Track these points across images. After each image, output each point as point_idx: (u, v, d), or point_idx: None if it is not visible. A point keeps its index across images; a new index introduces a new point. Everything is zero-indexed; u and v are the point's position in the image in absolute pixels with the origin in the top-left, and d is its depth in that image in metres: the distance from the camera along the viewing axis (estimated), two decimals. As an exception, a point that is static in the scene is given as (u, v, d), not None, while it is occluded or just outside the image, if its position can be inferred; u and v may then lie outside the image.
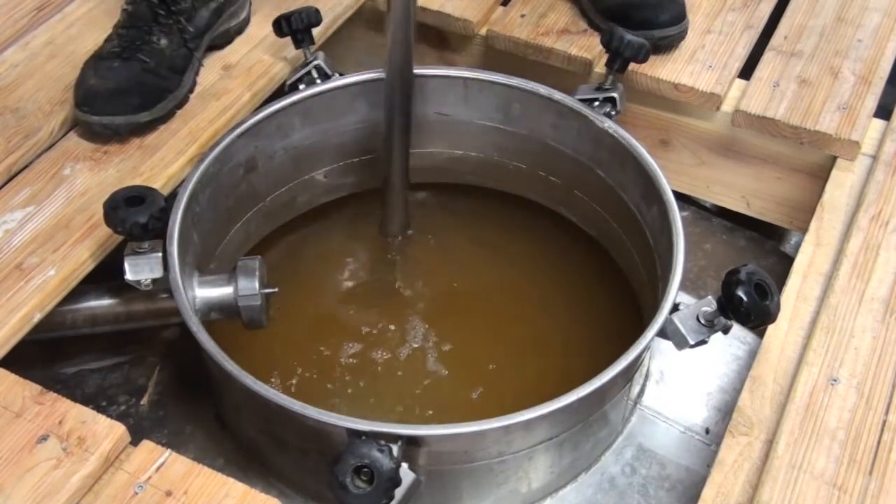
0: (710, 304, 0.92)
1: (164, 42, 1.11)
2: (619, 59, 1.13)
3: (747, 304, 0.87)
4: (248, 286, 1.01)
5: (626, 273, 1.21)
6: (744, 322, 0.89)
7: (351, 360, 1.14)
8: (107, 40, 1.14)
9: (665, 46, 1.24)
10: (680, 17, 1.25)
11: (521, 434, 0.89)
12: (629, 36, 1.11)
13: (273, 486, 1.00)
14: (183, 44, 1.14)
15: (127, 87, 1.08)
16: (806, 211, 1.20)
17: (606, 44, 1.13)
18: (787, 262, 1.12)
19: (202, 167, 1.06)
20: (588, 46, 1.26)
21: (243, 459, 1.03)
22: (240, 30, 1.24)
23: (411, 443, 0.85)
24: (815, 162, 1.21)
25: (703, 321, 0.92)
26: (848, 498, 0.84)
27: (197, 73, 1.17)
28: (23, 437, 0.83)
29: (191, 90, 1.15)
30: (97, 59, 1.11)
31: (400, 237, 1.27)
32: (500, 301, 1.21)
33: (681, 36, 1.25)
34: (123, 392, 1.11)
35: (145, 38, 1.11)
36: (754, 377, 0.96)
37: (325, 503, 0.99)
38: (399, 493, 0.81)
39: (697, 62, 1.24)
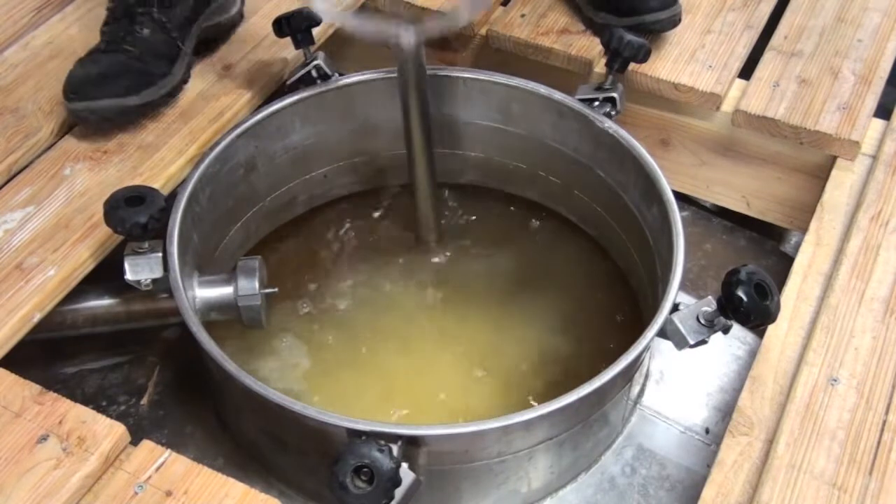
0: (710, 304, 0.92)
1: (146, 31, 1.11)
2: (618, 58, 1.13)
3: (747, 304, 0.87)
4: (248, 286, 1.01)
5: (626, 273, 1.21)
6: (744, 322, 0.89)
7: (359, 347, 1.15)
8: (94, 43, 1.14)
9: (658, 32, 1.23)
10: (670, 0, 1.24)
11: (521, 434, 0.89)
12: (629, 36, 1.11)
13: (273, 486, 1.00)
14: (166, 33, 1.13)
15: (113, 73, 1.07)
16: (806, 211, 1.20)
17: (606, 44, 1.13)
18: (787, 262, 1.12)
19: (202, 167, 1.06)
20: (588, 46, 1.26)
21: (243, 459, 1.03)
22: (233, 24, 1.24)
23: (411, 443, 0.85)
24: (815, 162, 1.21)
25: (703, 321, 0.92)
26: (848, 498, 0.84)
27: (189, 66, 1.16)
28: (23, 437, 0.83)
29: (184, 80, 1.15)
30: (83, 57, 1.11)
31: (434, 242, 1.25)
32: (500, 301, 1.21)
33: (673, 21, 1.24)
34: (123, 392, 1.11)
35: (128, 30, 1.10)
36: (754, 377, 0.96)
37: (325, 503, 0.99)
38: (399, 493, 0.81)
39: (697, 62, 1.24)
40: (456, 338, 1.17)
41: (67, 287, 0.97)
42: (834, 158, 1.18)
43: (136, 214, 0.91)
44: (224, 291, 1.01)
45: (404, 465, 0.82)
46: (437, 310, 1.20)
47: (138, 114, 1.10)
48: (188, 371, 1.12)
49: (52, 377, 1.10)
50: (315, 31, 1.17)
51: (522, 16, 1.31)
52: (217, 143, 1.09)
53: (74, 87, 1.08)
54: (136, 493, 0.81)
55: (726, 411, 1.08)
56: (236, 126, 1.11)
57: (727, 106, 1.22)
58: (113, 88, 1.07)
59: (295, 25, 1.15)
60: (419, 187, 1.17)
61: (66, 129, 1.11)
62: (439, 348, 1.16)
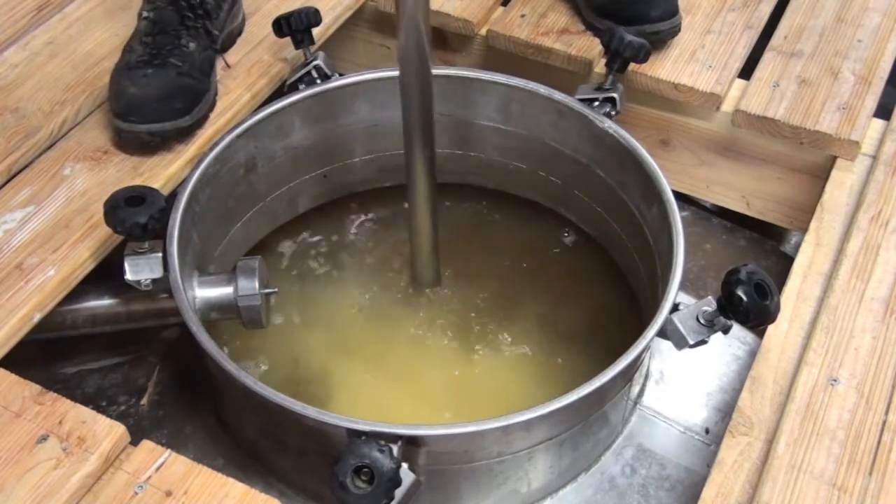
0: (709, 304, 0.92)
1: (192, 45, 1.10)
2: (618, 59, 1.13)
3: (747, 304, 0.87)
4: (248, 286, 1.01)
5: (626, 273, 1.21)
6: (744, 322, 0.89)
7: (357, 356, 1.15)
8: (128, 51, 1.10)
9: (657, 42, 1.23)
10: (672, 12, 1.24)
11: (521, 434, 0.89)
12: (629, 36, 1.11)
13: (273, 486, 1.00)
14: (210, 45, 1.13)
15: (169, 93, 1.06)
16: (806, 211, 1.21)
17: (606, 44, 1.13)
18: (787, 262, 1.12)
19: (202, 167, 1.06)
20: (588, 46, 1.26)
21: (243, 459, 1.03)
22: (239, 31, 1.24)
23: (411, 443, 0.85)
24: (815, 162, 1.21)
25: (702, 321, 0.92)
26: (848, 498, 0.84)
27: (216, 75, 1.16)
28: (23, 437, 0.84)
29: (216, 93, 1.14)
30: (127, 70, 1.07)
31: (432, 288, 1.20)
32: (499, 300, 1.21)
33: (673, 31, 1.25)
34: (123, 392, 1.11)
35: (175, 43, 1.09)
36: (754, 377, 0.96)
37: (324, 503, 0.99)
38: (399, 493, 0.81)
39: (697, 62, 1.24)
40: (451, 337, 1.17)
41: (67, 287, 0.97)
42: (834, 158, 1.18)
43: (136, 214, 0.91)
44: (224, 291, 1.01)
45: (404, 466, 0.82)
46: (434, 309, 1.20)
47: (187, 133, 1.09)
48: (188, 371, 1.12)
49: (52, 377, 1.10)
50: (315, 31, 1.17)
51: (522, 16, 1.31)
52: (217, 143, 1.09)
53: (133, 110, 1.05)
54: (135, 494, 0.81)
55: (726, 411, 1.08)
56: (236, 126, 1.11)
57: (727, 106, 1.22)
58: (172, 110, 1.06)
59: (295, 25, 1.15)
60: (419, 229, 1.11)
61: (66, 129, 1.11)
62: (436, 345, 1.16)
